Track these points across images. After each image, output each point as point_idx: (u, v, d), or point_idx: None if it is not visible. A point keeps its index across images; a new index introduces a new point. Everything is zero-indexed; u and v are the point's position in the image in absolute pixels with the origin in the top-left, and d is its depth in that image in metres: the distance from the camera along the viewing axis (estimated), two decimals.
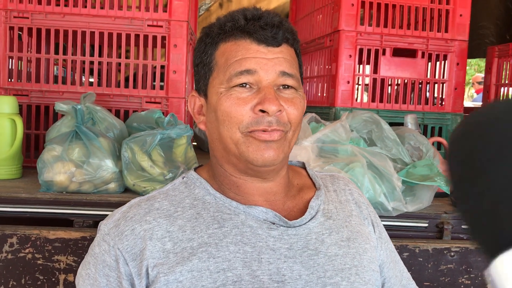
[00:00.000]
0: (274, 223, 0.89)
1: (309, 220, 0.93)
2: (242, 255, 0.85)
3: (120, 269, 0.86)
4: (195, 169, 1.02)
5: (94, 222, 1.49)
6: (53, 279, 1.39)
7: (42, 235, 1.39)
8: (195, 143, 2.96)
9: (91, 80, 2.08)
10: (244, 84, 0.88)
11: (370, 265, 0.94)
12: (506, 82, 2.16)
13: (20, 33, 1.96)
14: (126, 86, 1.96)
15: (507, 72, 2.15)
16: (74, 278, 1.38)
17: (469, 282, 1.49)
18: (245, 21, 0.90)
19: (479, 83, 8.63)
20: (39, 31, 1.92)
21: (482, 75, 8.03)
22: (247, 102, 0.87)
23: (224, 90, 0.89)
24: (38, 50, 1.94)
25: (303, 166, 1.08)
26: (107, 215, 0.95)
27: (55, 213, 1.50)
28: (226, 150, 0.91)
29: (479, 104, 4.61)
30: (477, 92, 8.44)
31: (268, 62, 0.89)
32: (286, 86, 0.91)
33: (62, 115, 1.73)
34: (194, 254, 0.84)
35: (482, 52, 4.29)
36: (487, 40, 4.19)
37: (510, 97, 2.12)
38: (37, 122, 1.96)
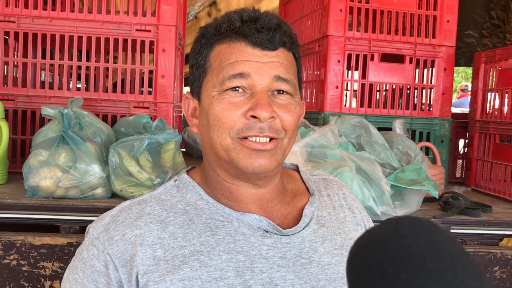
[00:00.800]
0: (267, 231, 0.88)
1: (303, 228, 0.91)
2: (235, 264, 0.83)
3: (110, 275, 0.84)
4: (187, 172, 0.99)
5: (81, 228, 1.47)
6: (39, 286, 1.37)
7: (27, 241, 1.37)
8: (184, 149, 2.94)
9: (79, 85, 2.06)
10: (236, 88, 0.86)
11: None
12: (493, 87, 2.18)
13: (7, 37, 1.94)
14: (114, 91, 1.95)
15: (494, 78, 2.17)
16: (60, 285, 1.36)
17: None
18: (241, 23, 0.88)
19: (463, 90, 8.75)
20: (25, 35, 1.90)
21: (467, 83, 8.12)
22: (239, 107, 0.85)
23: (216, 94, 0.87)
24: (25, 55, 1.93)
25: (297, 169, 1.06)
26: (94, 221, 0.93)
27: (41, 219, 1.48)
28: (217, 155, 0.89)
29: (458, 109, 4.65)
30: (459, 98, 8.57)
31: (262, 66, 0.86)
32: (281, 92, 0.88)
33: (49, 120, 1.71)
34: (185, 262, 0.82)
35: (468, 60, 4.34)
36: (472, 49, 4.24)
37: (493, 105, 2.14)
38: (23, 127, 1.93)
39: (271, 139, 0.87)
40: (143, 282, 0.81)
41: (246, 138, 0.86)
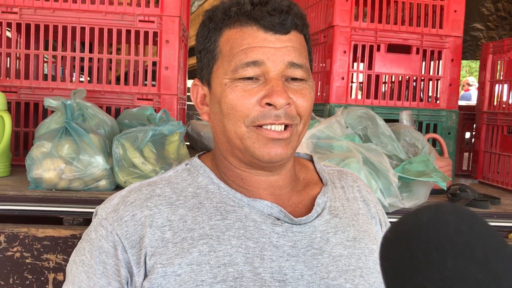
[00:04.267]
0: (278, 219, 0.86)
1: (315, 218, 0.89)
2: (244, 250, 0.81)
3: (119, 256, 0.82)
4: (199, 156, 0.97)
5: (84, 220, 1.45)
6: (42, 278, 1.35)
7: (31, 233, 1.35)
8: (188, 143, 2.93)
9: (82, 78, 2.04)
10: (250, 77, 0.84)
11: (376, 267, 0.89)
12: (501, 78, 2.15)
13: (9, 29, 1.92)
14: (118, 83, 1.93)
15: (502, 69, 2.14)
16: (64, 278, 1.35)
17: None
18: (251, 6, 0.84)
19: (469, 84, 8.75)
20: (28, 26, 1.88)
21: (472, 78, 8.11)
22: (253, 95, 0.83)
23: (228, 81, 0.84)
24: (27, 46, 1.91)
25: (311, 159, 1.04)
26: (102, 202, 0.91)
27: (44, 211, 1.47)
28: (230, 144, 0.87)
29: (463, 102, 4.63)
30: (465, 91, 8.57)
31: (276, 52, 0.83)
32: (294, 78, 0.86)
33: (52, 112, 1.69)
34: (194, 246, 0.80)
35: (473, 53, 4.31)
36: (478, 42, 4.21)
37: (500, 96, 2.11)
38: (26, 119, 1.92)
39: (286, 126, 0.85)
40: (151, 264, 0.80)
41: (261, 126, 0.83)
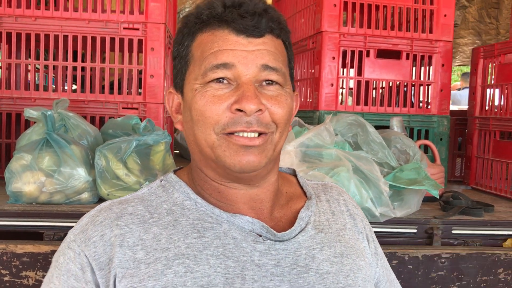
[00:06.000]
0: (260, 235, 0.81)
1: (298, 233, 0.84)
2: (224, 270, 0.76)
3: (88, 278, 0.77)
4: (175, 172, 0.92)
5: (66, 235, 1.40)
6: None
7: (9, 249, 1.30)
8: (177, 151, 2.88)
9: (66, 87, 2.00)
10: (221, 80, 0.79)
11: (365, 284, 0.85)
12: (492, 83, 2.12)
13: None
14: (102, 91, 1.89)
15: (493, 73, 2.12)
16: None
17: None
18: (223, 9, 0.81)
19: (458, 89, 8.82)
20: (9, 35, 1.84)
21: (458, 83, 8.14)
22: (223, 100, 0.78)
23: (199, 87, 0.80)
24: (9, 56, 1.86)
25: (294, 173, 0.99)
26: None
27: (24, 226, 1.42)
28: (202, 153, 0.82)
29: (456, 107, 4.61)
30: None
31: (248, 55, 0.79)
32: (269, 82, 0.81)
33: (34, 123, 1.64)
34: (169, 266, 0.75)
35: (461, 60, 4.32)
36: (465, 47, 4.22)
37: (492, 101, 2.09)
38: (8, 130, 1.87)
39: (260, 134, 0.79)
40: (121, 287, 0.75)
41: (232, 133, 0.78)
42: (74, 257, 0.79)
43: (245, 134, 0.79)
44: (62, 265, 0.80)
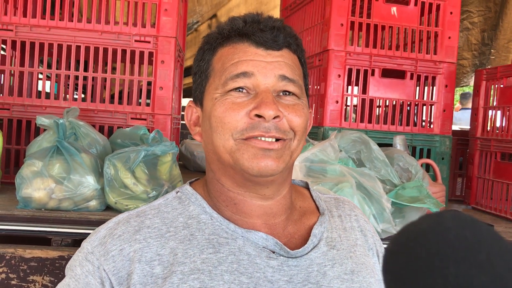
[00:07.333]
0: (274, 252, 0.82)
1: (311, 250, 0.86)
2: (238, 286, 0.77)
3: None
4: (190, 184, 0.94)
5: (73, 241, 1.43)
6: None
7: (18, 253, 1.33)
8: (181, 162, 2.91)
9: (76, 96, 2.04)
10: (240, 89, 0.82)
11: None
12: (494, 104, 2.16)
13: (4, 46, 1.92)
14: (112, 102, 1.92)
15: (495, 95, 2.16)
16: None
17: None
18: (243, 23, 0.85)
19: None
20: (23, 44, 1.88)
21: (458, 105, 8.19)
22: (242, 107, 0.81)
23: (219, 96, 0.83)
24: (22, 64, 1.90)
25: (307, 186, 1.01)
26: (87, 233, 0.88)
27: (33, 231, 1.44)
28: (221, 161, 0.84)
29: (457, 127, 4.63)
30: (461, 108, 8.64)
31: (267, 65, 0.83)
32: (287, 93, 0.84)
33: (44, 130, 1.68)
34: (184, 281, 0.77)
35: (459, 81, 4.35)
36: (464, 70, 4.25)
37: (494, 122, 2.12)
38: (18, 137, 1.90)
39: (277, 140, 0.82)
40: None
41: (251, 138, 0.81)
42: (93, 271, 0.80)
43: (263, 139, 0.81)
44: (80, 278, 0.81)
